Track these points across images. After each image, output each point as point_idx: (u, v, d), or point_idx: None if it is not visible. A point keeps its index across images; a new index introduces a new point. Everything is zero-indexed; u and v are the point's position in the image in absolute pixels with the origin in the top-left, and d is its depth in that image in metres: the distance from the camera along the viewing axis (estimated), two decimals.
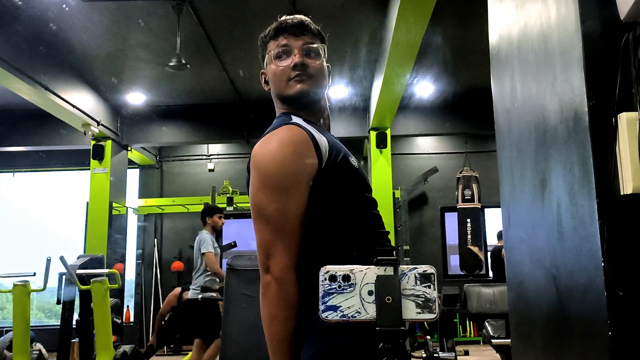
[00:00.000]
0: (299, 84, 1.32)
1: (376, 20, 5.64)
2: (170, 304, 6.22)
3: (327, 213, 1.26)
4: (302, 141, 1.25)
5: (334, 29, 5.87)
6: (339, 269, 1.01)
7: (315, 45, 1.35)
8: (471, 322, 8.30)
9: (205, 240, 4.99)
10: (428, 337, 5.04)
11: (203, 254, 4.97)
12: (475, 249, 7.61)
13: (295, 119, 1.33)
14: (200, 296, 4.77)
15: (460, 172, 7.94)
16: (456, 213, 7.92)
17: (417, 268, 1.01)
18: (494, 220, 8.53)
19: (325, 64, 1.38)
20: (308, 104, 1.37)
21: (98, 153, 7.78)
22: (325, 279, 1.00)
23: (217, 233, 5.50)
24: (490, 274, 7.73)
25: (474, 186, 7.75)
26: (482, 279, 7.55)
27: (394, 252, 1.40)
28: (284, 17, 1.37)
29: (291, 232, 1.22)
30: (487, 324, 4.94)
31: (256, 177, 1.25)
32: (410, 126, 8.15)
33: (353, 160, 1.35)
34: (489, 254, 7.73)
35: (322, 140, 1.28)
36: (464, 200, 7.73)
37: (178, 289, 6.32)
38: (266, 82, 1.42)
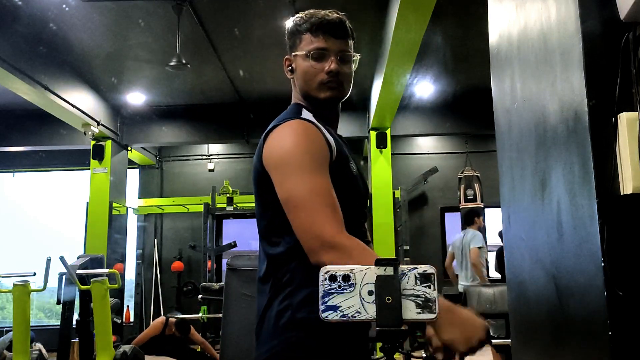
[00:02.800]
0: (330, 90, 1.35)
1: (376, 20, 5.64)
2: (152, 332, 5.51)
3: None
4: (316, 133, 1.28)
5: None
6: (339, 269, 1.01)
7: (350, 53, 1.37)
8: None
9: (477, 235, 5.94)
10: None
11: (480, 247, 5.83)
12: None
13: (306, 113, 1.35)
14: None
15: (462, 172, 7.94)
16: (456, 213, 7.91)
17: (417, 268, 1.01)
18: (494, 220, 8.52)
19: (353, 68, 1.40)
20: (332, 108, 1.40)
21: (98, 153, 7.78)
22: (325, 279, 1.00)
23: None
24: (493, 274, 7.71)
25: (476, 186, 7.75)
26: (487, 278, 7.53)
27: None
28: (323, 13, 1.36)
29: (329, 205, 1.18)
30: (487, 324, 4.93)
31: (280, 168, 1.23)
32: (410, 126, 8.15)
33: (353, 166, 1.36)
34: (492, 254, 7.71)
35: (330, 139, 1.30)
36: (466, 200, 7.73)
37: (162, 318, 5.65)
38: (290, 70, 1.41)
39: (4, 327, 8.13)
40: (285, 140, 1.25)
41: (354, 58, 1.38)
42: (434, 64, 6.80)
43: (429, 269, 1.01)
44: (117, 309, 6.61)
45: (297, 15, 1.40)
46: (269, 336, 1.24)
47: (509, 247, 2.12)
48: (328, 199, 1.19)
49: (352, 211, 1.31)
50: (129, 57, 6.63)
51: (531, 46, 1.80)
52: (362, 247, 1.15)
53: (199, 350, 5.61)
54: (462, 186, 7.79)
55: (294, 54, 1.39)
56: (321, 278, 1.01)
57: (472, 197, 7.71)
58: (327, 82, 1.34)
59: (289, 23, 1.41)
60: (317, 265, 1.11)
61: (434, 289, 0.99)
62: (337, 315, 0.99)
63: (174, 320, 5.42)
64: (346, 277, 1.00)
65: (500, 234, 7.31)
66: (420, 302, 0.98)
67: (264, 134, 1.31)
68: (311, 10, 1.38)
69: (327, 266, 1.02)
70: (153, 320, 8.70)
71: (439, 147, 9.21)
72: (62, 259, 4.12)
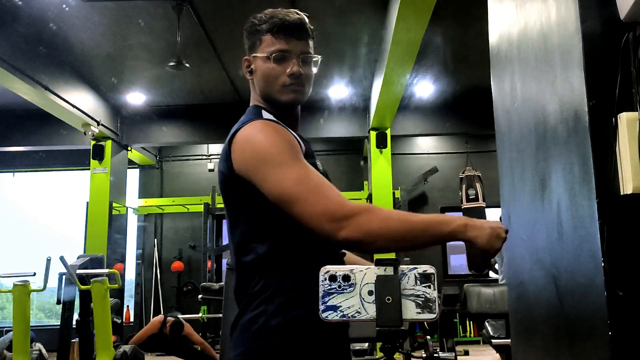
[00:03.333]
0: (293, 93, 1.32)
1: (376, 20, 5.64)
2: (150, 330, 5.48)
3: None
4: (283, 128, 1.26)
5: (334, 29, 5.87)
6: (339, 269, 1.01)
7: (312, 54, 1.35)
8: (471, 322, 8.30)
9: None
10: (428, 337, 5.04)
11: None
12: None
13: (266, 115, 1.33)
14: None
15: (463, 172, 7.93)
16: (457, 213, 7.90)
17: (417, 268, 1.01)
18: (494, 220, 8.52)
19: (314, 70, 1.38)
20: (293, 110, 1.39)
21: (98, 153, 7.78)
22: (325, 279, 1.00)
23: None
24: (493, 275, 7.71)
25: (478, 185, 7.74)
26: (482, 279, 7.55)
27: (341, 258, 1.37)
28: (284, 13, 1.33)
29: (322, 185, 1.15)
30: (487, 324, 4.94)
31: (261, 167, 1.19)
32: (410, 126, 8.15)
33: (319, 164, 1.35)
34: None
35: (297, 136, 1.30)
36: (468, 200, 7.72)
37: (161, 317, 5.62)
38: (249, 72, 1.38)
39: (4, 327, 8.13)
40: (257, 140, 1.21)
41: (314, 59, 1.36)
42: (434, 64, 6.80)
43: (429, 269, 1.01)
44: (117, 309, 6.61)
45: (256, 15, 1.36)
46: (240, 342, 1.22)
47: (509, 247, 2.12)
48: (318, 179, 1.17)
49: None
50: (129, 57, 6.63)
51: (531, 46, 1.80)
52: (370, 205, 1.14)
53: (199, 349, 5.61)
54: (464, 186, 7.78)
55: (253, 54, 1.35)
56: (321, 278, 1.01)
57: (474, 196, 7.70)
58: (289, 84, 1.31)
59: (247, 23, 1.38)
60: (345, 242, 1.10)
61: (434, 289, 0.99)
62: (337, 315, 0.99)
63: (171, 319, 5.42)
64: (346, 277, 1.00)
65: None
66: (420, 302, 0.98)
67: (228, 139, 1.27)
68: (270, 10, 1.34)
69: (327, 266, 1.02)
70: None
71: (439, 147, 9.21)
72: (62, 259, 4.12)
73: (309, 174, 1.17)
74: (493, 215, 8.44)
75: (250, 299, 1.23)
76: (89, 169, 7.85)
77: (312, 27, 1.37)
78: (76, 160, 9.12)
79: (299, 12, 1.36)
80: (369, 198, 7.79)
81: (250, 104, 1.41)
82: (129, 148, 8.44)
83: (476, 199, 7.71)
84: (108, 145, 7.86)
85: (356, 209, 1.11)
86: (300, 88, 1.33)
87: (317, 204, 1.12)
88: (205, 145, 9.34)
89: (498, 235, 1.10)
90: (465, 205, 7.75)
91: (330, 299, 0.99)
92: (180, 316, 5.62)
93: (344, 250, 1.35)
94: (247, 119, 1.30)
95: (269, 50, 1.31)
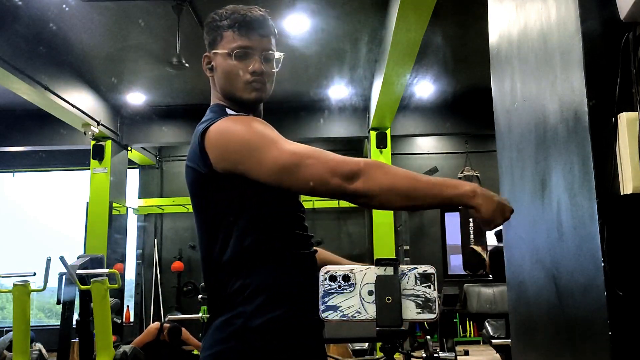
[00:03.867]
0: (255, 91, 1.30)
1: (376, 20, 5.64)
2: (147, 338, 5.44)
3: (262, 207, 1.22)
4: (256, 118, 1.26)
5: (334, 29, 5.87)
6: (339, 269, 1.01)
7: (274, 52, 1.33)
8: (471, 322, 8.30)
9: None
10: (428, 337, 5.04)
11: None
12: (478, 249, 7.60)
13: (230, 112, 1.31)
14: None
15: (462, 172, 7.94)
16: (456, 213, 7.91)
17: (417, 268, 1.01)
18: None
19: (276, 68, 1.36)
20: (255, 108, 1.36)
21: (98, 153, 7.78)
22: (325, 279, 1.00)
23: None
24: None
25: None
26: (482, 278, 7.55)
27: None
28: (246, 9, 1.31)
29: (316, 151, 1.15)
30: (487, 324, 4.94)
31: (251, 152, 1.17)
32: (410, 126, 8.15)
33: None
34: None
35: None
36: None
37: (157, 324, 5.56)
38: (210, 69, 1.35)
39: (4, 327, 8.13)
40: (237, 131, 1.19)
41: (277, 57, 1.34)
42: (434, 64, 6.80)
43: (429, 269, 1.01)
44: (117, 309, 6.59)
45: (216, 11, 1.34)
46: (214, 342, 1.18)
47: (509, 247, 2.12)
48: (313, 147, 1.17)
49: (293, 202, 1.29)
50: (129, 57, 6.63)
51: (531, 46, 1.80)
52: (378, 161, 1.15)
53: (195, 353, 5.61)
54: None
55: (214, 51, 1.32)
56: (321, 278, 1.01)
57: None
58: (252, 82, 1.29)
59: (208, 18, 1.36)
60: (353, 194, 1.09)
61: (434, 289, 0.99)
62: (337, 315, 0.99)
63: (167, 326, 5.41)
64: (346, 277, 1.00)
65: (497, 234, 7.33)
66: (420, 302, 0.99)
67: (198, 138, 1.23)
68: (232, 6, 1.32)
69: (327, 266, 1.03)
70: (153, 320, 8.71)
71: (439, 147, 9.21)
72: (62, 259, 4.12)
73: (301, 144, 1.17)
74: None
75: (226, 300, 1.20)
76: (89, 169, 7.85)
77: (273, 24, 1.36)
78: (76, 160, 9.12)
79: (261, 9, 1.34)
80: None
81: (212, 103, 1.38)
82: (129, 148, 8.44)
83: None
84: (108, 145, 7.86)
85: (362, 163, 1.11)
86: (262, 86, 1.31)
87: (322, 163, 1.12)
88: None
89: (503, 210, 1.09)
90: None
91: (330, 299, 0.99)
92: (179, 316, 5.60)
93: (315, 248, 1.33)
94: (213, 117, 1.28)
95: (230, 47, 1.29)
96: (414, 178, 1.11)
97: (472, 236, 7.64)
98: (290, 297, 1.19)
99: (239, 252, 1.20)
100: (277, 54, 1.34)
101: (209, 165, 1.20)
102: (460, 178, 7.89)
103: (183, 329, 5.41)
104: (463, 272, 8.30)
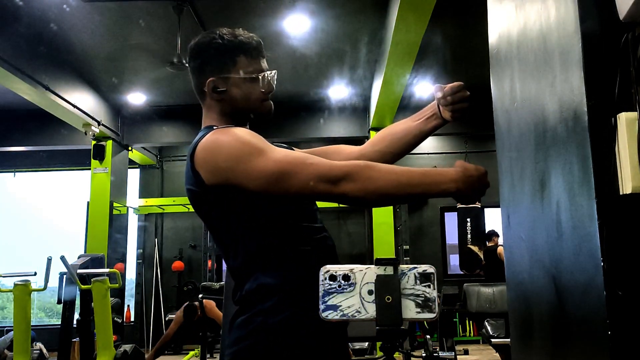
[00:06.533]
0: (270, 105, 1.40)
1: (376, 20, 5.64)
2: (178, 323, 5.44)
3: (267, 210, 1.26)
4: (241, 128, 1.31)
5: (334, 29, 5.87)
6: (339, 269, 1.01)
7: (273, 71, 1.42)
8: (471, 322, 8.30)
9: None
10: (428, 336, 5.05)
11: None
12: (475, 249, 7.61)
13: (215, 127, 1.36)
14: None
15: None
16: (456, 213, 7.91)
17: (416, 267, 1.01)
18: (494, 219, 8.53)
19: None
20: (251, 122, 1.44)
21: (99, 153, 7.78)
22: (326, 279, 1.01)
23: None
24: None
25: None
26: (481, 278, 7.56)
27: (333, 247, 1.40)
28: (246, 34, 1.38)
29: (303, 156, 1.20)
30: (486, 323, 4.95)
31: (240, 163, 1.19)
32: None
33: None
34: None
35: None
36: None
37: (180, 311, 5.53)
38: (217, 92, 1.35)
39: (5, 327, 8.14)
40: (224, 143, 1.22)
41: (273, 75, 1.43)
42: (434, 64, 6.80)
43: (429, 268, 1.01)
44: (118, 309, 6.61)
45: (214, 36, 1.36)
46: (236, 341, 1.22)
47: (509, 247, 2.12)
48: (301, 153, 1.23)
49: (300, 206, 1.33)
50: (130, 57, 6.64)
51: (530, 46, 1.80)
52: (367, 162, 1.21)
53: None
54: None
55: (224, 75, 1.35)
56: (321, 277, 1.01)
57: None
58: (267, 99, 1.38)
59: (204, 41, 1.38)
60: (343, 196, 1.14)
61: (434, 289, 1.00)
62: (337, 315, 0.99)
63: (187, 304, 5.39)
64: (346, 277, 1.01)
65: (490, 234, 7.37)
66: (420, 302, 0.99)
67: (189, 158, 1.27)
68: (229, 30, 1.37)
69: (327, 266, 1.03)
70: (153, 320, 8.73)
71: (438, 147, 9.21)
72: (62, 258, 4.12)
73: (288, 152, 1.21)
74: (493, 215, 8.44)
75: (244, 299, 1.25)
76: (90, 169, 7.85)
77: None
78: (77, 160, 9.13)
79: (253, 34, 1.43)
80: None
81: (204, 125, 1.39)
82: (130, 148, 8.44)
83: None
84: (109, 145, 7.86)
85: (349, 166, 1.15)
86: (271, 100, 1.41)
87: (308, 170, 1.15)
88: None
89: (481, 190, 1.17)
90: (461, 205, 7.77)
91: (330, 299, 1.00)
92: (200, 297, 5.52)
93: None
94: (200, 137, 1.30)
95: (247, 71, 1.35)
96: (400, 174, 1.19)
97: (469, 236, 7.64)
98: (306, 295, 1.20)
99: (247, 259, 1.25)
100: (274, 72, 1.43)
101: (202, 183, 1.23)
102: None
103: (208, 303, 5.34)
104: (462, 272, 8.30)
